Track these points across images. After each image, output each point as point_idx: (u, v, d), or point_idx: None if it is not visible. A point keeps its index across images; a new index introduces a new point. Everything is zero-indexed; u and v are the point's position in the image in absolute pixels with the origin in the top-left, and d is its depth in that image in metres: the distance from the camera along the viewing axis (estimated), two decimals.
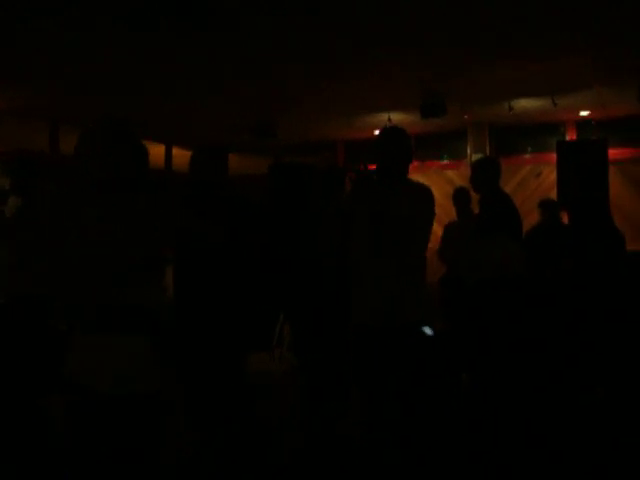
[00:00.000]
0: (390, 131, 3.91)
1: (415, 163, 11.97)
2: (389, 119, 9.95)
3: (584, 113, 10.52)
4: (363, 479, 3.74)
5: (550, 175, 10.49)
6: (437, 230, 8.85)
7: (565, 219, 7.66)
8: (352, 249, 3.80)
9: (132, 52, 7.04)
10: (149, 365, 2.56)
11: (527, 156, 11.28)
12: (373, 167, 3.83)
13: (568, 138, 10.91)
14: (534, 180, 11.07)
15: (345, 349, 4.90)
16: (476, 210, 7.22)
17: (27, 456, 4.06)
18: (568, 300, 3.88)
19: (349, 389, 4.95)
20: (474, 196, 7.57)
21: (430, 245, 3.88)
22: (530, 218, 7.44)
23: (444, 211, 10.29)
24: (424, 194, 3.80)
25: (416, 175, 10.46)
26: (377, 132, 3.96)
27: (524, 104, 9.70)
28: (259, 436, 4.25)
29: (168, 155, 12.33)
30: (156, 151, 11.38)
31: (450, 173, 11.64)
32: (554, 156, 9.04)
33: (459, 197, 7.74)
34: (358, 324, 3.77)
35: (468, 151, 11.41)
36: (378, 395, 3.68)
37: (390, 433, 3.65)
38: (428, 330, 3.58)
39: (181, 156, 11.43)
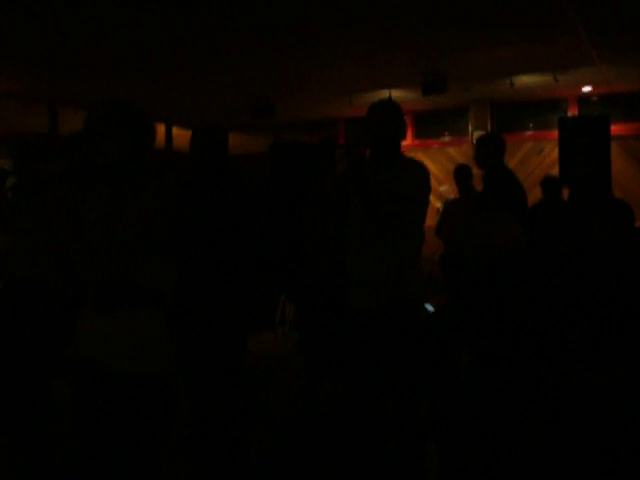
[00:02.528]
0: (379, 105, 3.69)
1: (416, 141, 12.04)
2: (390, 97, 9.90)
3: (586, 89, 10.46)
4: (359, 461, 3.74)
5: (552, 152, 10.46)
6: (435, 205, 8.82)
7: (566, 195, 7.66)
8: (348, 231, 3.70)
9: (131, 33, 6.99)
10: (157, 345, 2.56)
11: (529, 133, 11.23)
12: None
13: (570, 114, 10.86)
14: (536, 157, 11.03)
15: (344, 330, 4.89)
16: (478, 187, 7.22)
17: (32, 439, 4.07)
18: (573, 278, 3.86)
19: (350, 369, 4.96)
20: (475, 173, 7.56)
21: (429, 222, 3.80)
22: (532, 195, 7.41)
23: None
24: (418, 170, 3.66)
25: (417, 153, 10.47)
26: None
27: (525, 80, 9.64)
28: (252, 420, 4.23)
29: (168, 135, 12.30)
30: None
31: (451, 150, 11.59)
32: (556, 133, 9.00)
33: (460, 174, 7.71)
34: (356, 309, 3.66)
35: (469, 128, 11.36)
36: (378, 381, 3.63)
37: (391, 415, 3.63)
38: (429, 307, 3.55)
39: (181, 135, 11.41)
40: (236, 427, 4.03)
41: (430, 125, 11.67)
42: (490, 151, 5.53)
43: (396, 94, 9.91)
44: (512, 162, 10.08)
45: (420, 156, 9.49)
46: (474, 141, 10.92)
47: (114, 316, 2.50)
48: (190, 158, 4.02)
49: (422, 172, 3.64)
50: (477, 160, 5.67)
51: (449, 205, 7.78)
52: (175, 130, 12.27)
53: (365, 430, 3.66)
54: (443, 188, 10.01)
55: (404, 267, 3.54)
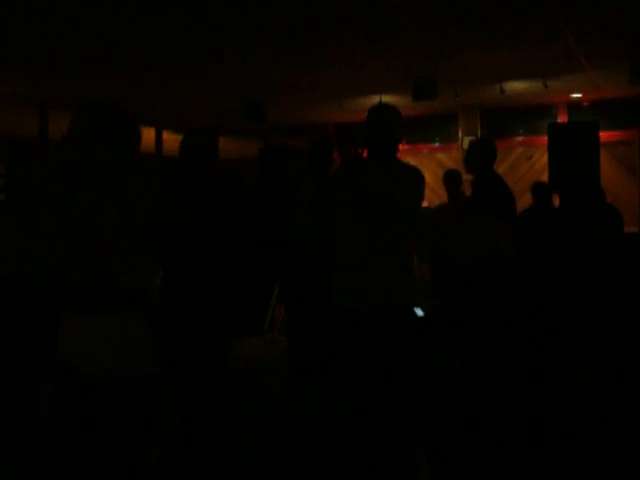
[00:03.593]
0: (379, 108, 3.75)
1: (406, 146, 12.07)
2: (380, 102, 9.91)
3: (576, 95, 10.50)
4: (348, 464, 3.72)
5: (541, 158, 10.49)
6: None
7: (557, 202, 7.67)
8: (337, 230, 3.68)
9: (122, 37, 6.97)
10: (140, 346, 2.54)
11: (519, 139, 11.26)
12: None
13: (559, 120, 10.89)
14: (526, 163, 11.06)
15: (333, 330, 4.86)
16: (467, 192, 7.22)
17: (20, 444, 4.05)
18: (562, 282, 3.87)
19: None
20: (465, 178, 7.57)
21: None
22: (522, 201, 7.42)
23: (435, 194, 10.30)
24: (414, 175, 3.68)
25: (407, 158, 10.47)
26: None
27: (515, 86, 9.67)
28: (240, 425, 4.22)
29: (158, 139, 12.27)
30: (146, 135, 11.32)
31: (441, 156, 11.62)
32: (546, 139, 9.02)
33: (450, 179, 7.72)
34: (341, 308, 3.64)
35: (459, 134, 11.39)
36: (361, 383, 3.61)
37: (378, 418, 3.62)
38: (419, 311, 3.54)
39: (171, 140, 11.39)
40: (224, 432, 4.01)
41: (420, 130, 11.68)
42: (482, 156, 5.53)
43: (386, 99, 9.91)
44: (502, 168, 10.10)
45: (409, 161, 9.48)
46: (464, 146, 10.94)
47: (95, 319, 2.48)
48: (180, 160, 4.01)
49: (417, 177, 3.67)
50: (468, 164, 5.66)
51: (438, 210, 7.78)
52: (165, 134, 12.24)
53: (354, 433, 3.65)
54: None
55: (394, 269, 3.53)
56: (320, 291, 5.04)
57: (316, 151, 5.65)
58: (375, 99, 9.88)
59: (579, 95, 10.48)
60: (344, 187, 3.58)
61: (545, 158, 9.12)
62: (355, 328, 3.55)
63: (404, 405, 3.57)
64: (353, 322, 3.56)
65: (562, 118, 10.96)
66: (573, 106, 10.92)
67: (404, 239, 3.58)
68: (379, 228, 3.49)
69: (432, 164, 11.34)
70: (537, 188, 7.59)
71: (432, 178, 10.74)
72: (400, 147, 3.70)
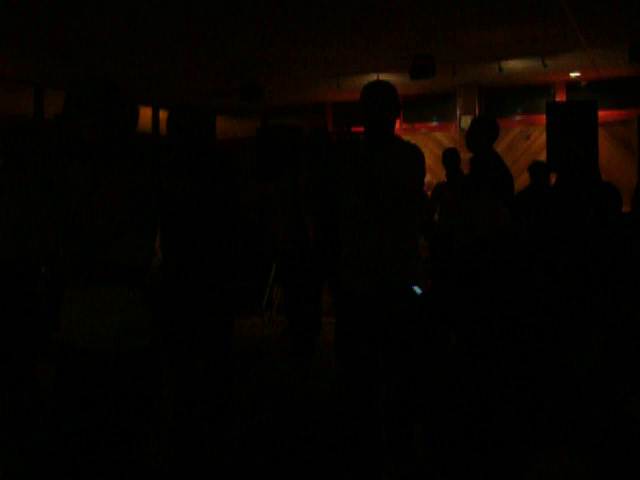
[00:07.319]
0: (373, 85, 3.70)
1: (404, 125, 12.00)
2: (378, 78, 9.87)
3: (574, 74, 10.47)
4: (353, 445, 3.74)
5: (540, 137, 10.48)
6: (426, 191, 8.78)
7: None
8: (340, 213, 3.67)
9: (118, 14, 6.92)
10: (137, 321, 2.54)
11: (517, 118, 11.24)
12: (358, 129, 3.69)
13: (558, 99, 10.86)
14: (524, 142, 11.04)
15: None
16: (466, 171, 7.21)
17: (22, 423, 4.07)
18: (559, 262, 3.87)
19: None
20: (463, 157, 7.56)
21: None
22: (519, 180, 7.41)
23: (433, 173, 10.28)
24: (413, 153, 3.66)
25: (405, 137, 10.43)
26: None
27: (514, 65, 9.63)
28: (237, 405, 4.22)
29: (155, 118, 12.24)
30: (143, 114, 11.26)
31: (439, 135, 11.59)
32: (544, 118, 9.02)
33: (448, 158, 7.72)
34: (347, 290, 3.65)
35: (457, 113, 11.35)
36: (369, 362, 3.62)
37: (382, 396, 3.63)
38: (417, 289, 3.53)
39: None
40: (221, 411, 4.02)
41: (418, 109, 11.64)
42: (483, 134, 5.48)
43: (384, 78, 9.86)
44: (500, 147, 10.07)
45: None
46: (462, 125, 10.91)
47: (90, 294, 2.47)
48: (171, 137, 3.95)
49: (417, 155, 3.64)
50: (468, 141, 5.59)
51: (438, 189, 7.79)
52: (162, 113, 12.20)
53: (356, 413, 3.66)
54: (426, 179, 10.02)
55: (399, 250, 3.52)
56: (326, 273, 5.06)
57: (315, 137, 5.62)
58: (373, 78, 9.83)
59: (578, 74, 10.45)
60: (344, 170, 3.54)
61: (543, 137, 9.12)
62: (362, 310, 3.56)
63: (409, 384, 3.58)
64: (360, 304, 3.56)
65: (561, 97, 10.93)
66: (572, 85, 10.89)
67: (408, 218, 3.57)
68: (382, 209, 3.47)
69: (430, 143, 11.31)
70: (535, 167, 7.58)
71: (430, 157, 10.71)
72: (397, 126, 3.68)
